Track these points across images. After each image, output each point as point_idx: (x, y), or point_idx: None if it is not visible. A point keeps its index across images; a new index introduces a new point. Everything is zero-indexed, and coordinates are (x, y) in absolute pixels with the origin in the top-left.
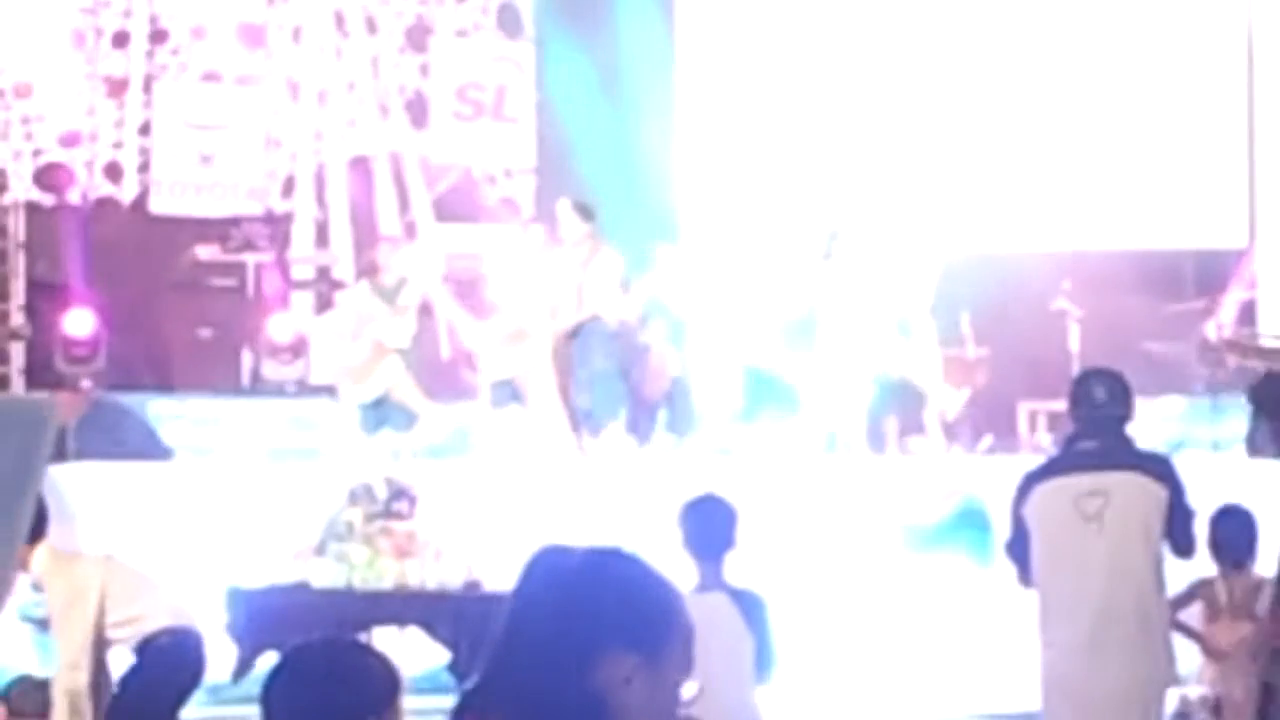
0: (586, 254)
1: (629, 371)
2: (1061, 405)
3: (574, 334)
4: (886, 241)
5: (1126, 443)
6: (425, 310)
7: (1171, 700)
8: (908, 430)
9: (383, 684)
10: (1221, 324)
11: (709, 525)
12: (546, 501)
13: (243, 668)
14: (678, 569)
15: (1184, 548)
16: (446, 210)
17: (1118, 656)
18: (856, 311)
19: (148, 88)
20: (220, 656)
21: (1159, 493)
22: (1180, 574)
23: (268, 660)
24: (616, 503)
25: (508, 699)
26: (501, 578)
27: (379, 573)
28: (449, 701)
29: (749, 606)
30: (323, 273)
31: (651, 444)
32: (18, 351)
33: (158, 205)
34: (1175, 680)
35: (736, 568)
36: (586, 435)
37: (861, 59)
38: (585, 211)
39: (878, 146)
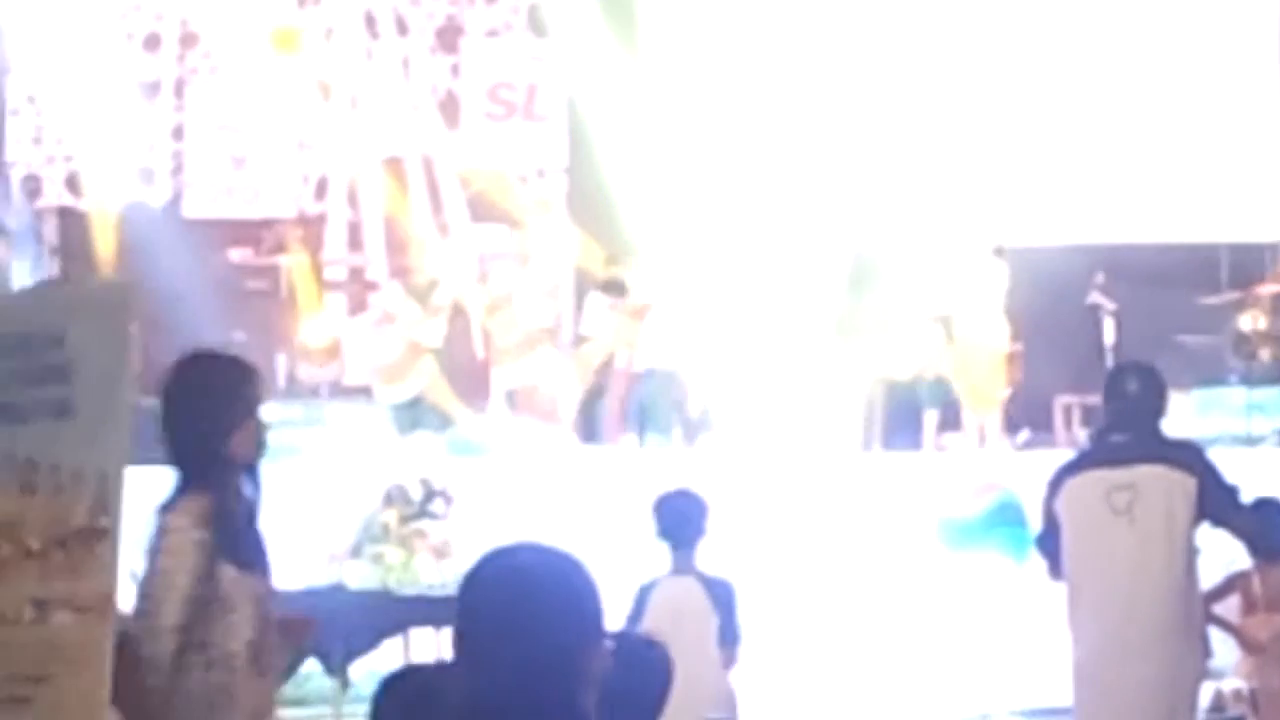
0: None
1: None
2: (1097, 399)
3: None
4: (929, 236)
5: (1156, 435)
6: (458, 312)
7: (1206, 694)
8: (945, 426)
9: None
10: (1256, 316)
11: (682, 516)
12: (578, 502)
13: (287, 672)
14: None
15: (1236, 525)
16: (480, 211)
17: (1146, 651)
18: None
19: (179, 91)
20: None
21: (1186, 483)
22: (1215, 567)
23: (310, 665)
24: (646, 503)
25: (514, 706)
26: None
27: (414, 574)
28: None
29: (718, 591)
30: (355, 274)
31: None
32: None
33: (190, 209)
34: (1206, 674)
35: (761, 562)
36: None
37: (889, 49)
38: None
39: (910, 142)
